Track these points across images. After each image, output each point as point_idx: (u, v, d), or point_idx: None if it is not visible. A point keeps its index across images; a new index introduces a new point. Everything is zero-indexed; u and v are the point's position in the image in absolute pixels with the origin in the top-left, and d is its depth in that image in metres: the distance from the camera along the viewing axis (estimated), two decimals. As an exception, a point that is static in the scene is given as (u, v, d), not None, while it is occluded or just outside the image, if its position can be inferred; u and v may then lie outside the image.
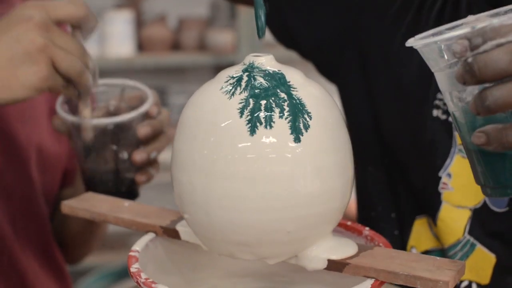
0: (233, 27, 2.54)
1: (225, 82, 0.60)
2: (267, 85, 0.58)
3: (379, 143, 0.84)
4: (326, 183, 0.58)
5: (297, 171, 0.57)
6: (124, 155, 0.84)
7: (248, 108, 0.57)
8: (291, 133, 0.57)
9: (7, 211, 0.90)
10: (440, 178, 0.77)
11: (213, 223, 0.59)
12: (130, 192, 0.87)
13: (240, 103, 0.57)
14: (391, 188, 0.83)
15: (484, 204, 0.74)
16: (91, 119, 0.82)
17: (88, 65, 0.74)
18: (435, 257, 0.57)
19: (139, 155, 0.83)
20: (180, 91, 2.70)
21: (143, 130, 0.83)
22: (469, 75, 0.50)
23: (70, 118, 0.83)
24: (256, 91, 0.58)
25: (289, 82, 0.59)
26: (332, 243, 0.60)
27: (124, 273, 2.30)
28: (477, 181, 0.58)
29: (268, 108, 0.57)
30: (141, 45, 2.58)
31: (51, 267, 0.98)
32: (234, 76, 0.60)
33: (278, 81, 0.59)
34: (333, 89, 0.97)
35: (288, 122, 0.57)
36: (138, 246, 0.65)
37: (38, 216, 0.95)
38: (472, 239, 0.75)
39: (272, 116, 0.57)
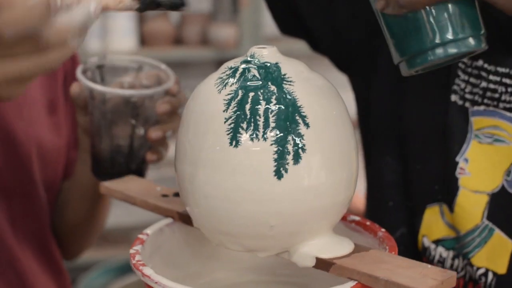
0: (236, 21, 2.53)
1: (222, 73, 0.60)
2: (259, 77, 0.58)
3: (396, 133, 0.83)
4: (314, 179, 0.57)
5: None
6: (141, 130, 0.83)
7: (236, 99, 0.57)
8: (274, 128, 0.56)
9: (6, 210, 0.89)
10: (457, 163, 0.77)
11: (201, 212, 0.60)
12: (138, 170, 0.85)
13: (229, 94, 0.58)
14: (404, 178, 0.83)
15: (502, 188, 0.74)
16: (115, 89, 0.81)
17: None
18: (427, 265, 0.56)
19: (156, 133, 0.82)
20: (182, 86, 2.69)
21: (163, 106, 0.82)
22: None
23: (94, 86, 0.81)
24: (247, 83, 0.58)
25: (284, 75, 0.58)
26: (326, 241, 0.59)
27: (126, 268, 2.31)
28: (394, 59, 0.59)
29: (255, 101, 0.57)
30: (144, 40, 2.58)
31: (50, 265, 0.98)
32: (231, 67, 0.60)
33: (271, 73, 0.58)
34: (340, 83, 0.97)
35: (273, 116, 0.56)
36: (143, 235, 0.65)
37: (38, 214, 0.95)
38: (490, 224, 0.74)
39: (257, 110, 0.57)
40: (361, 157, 0.93)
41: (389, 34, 0.59)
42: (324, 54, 0.94)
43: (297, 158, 0.56)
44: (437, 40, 0.56)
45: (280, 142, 0.56)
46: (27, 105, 0.92)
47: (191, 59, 2.68)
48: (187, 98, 0.85)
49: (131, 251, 0.61)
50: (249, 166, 0.56)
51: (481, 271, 0.75)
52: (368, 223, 0.67)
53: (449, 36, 0.56)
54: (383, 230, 0.65)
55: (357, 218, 0.68)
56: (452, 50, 0.57)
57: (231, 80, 0.59)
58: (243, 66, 0.60)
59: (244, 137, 0.56)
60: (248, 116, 0.57)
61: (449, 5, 0.56)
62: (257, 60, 0.60)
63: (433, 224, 0.80)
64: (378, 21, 0.59)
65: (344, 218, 0.68)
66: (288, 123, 0.56)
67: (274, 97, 0.57)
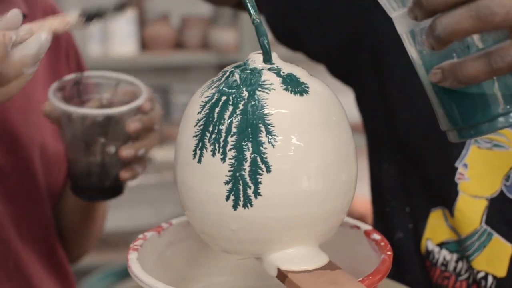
0: (236, 26, 2.54)
1: (215, 76, 0.61)
2: (238, 82, 0.58)
3: (393, 139, 0.84)
4: (276, 189, 0.56)
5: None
6: (112, 149, 0.83)
7: (210, 103, 0.58)
8: (236, 133, 0.56)
9: (11, 214, 0.89)
10: (456, 168, 0.77)
11: (188, 213, 0.61)
12: (114, 188, 0.86)
13: (207, 97, 0.59)
14: (404, 183, 0.83)
15: (501, 193, 0.75)
16: (82, 109, 0.81)
17: (9, 40, 0.61)
18: None
19: (126, 151, 0.81)
20: (183, 90, 2.70)
21: (133, 125, 0.81)
22: (418, 7, 0.51)
23: (61, 106, 0.81)
24: (225, 87, 0.58)
25: (263, 81, 0.58)
26: (297, 253, 0.58)
27: (127, 272, 2.30)
28: (441, 125, 0.58)
29: (224, 105, 0.57)
30: (144, 44, 2.58)
31: (55, 268, 0.98)
32: (224, 71, 0.61)
33: (251, 79, 0.58)
34: (341, 88, 0.97)
35: (237, 121, 0.56)
36: (140, 239, 0.65)
37: (42, 218, 0.95)
38: (489, 229, 0.75)
39: (224, 114, 0.57)
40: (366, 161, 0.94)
41: (439, 103, 0.57)
42: (319, 63, 0.95)
43: (255, 168, 0.56)
44: (491, 115, 0.55)
45: (240, 148, 0.56)
46: (32, 110, 0.92)
47: (192, 63, 2.69)
48: (162, 114, 0.85)
49: (129, 256, 0.61)
50: (207, 166, 0.57)
51: (481, 274, 0.75)
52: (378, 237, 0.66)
53: (503, 110, 0.55)
54: (388, 247, 0.64)
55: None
56: (502, 124, 0.55)
57: (215, 84, 0.59)
58: (231, 70, 0.60)
59: (206, 153, 0.57)
60: (215, 120, 0.57)
61: (505, 78, 0.55)
62: (247, 65, 0.60)
63: (437, 227, 0.80)
64: (423, 84, 0.58)
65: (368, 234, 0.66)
66: (249, 129, 0.56)
67: (242, 102, 0.57)
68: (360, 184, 0.75)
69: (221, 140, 0.56)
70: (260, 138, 0.56)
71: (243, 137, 0.56)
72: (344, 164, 0.58)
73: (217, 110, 0.57)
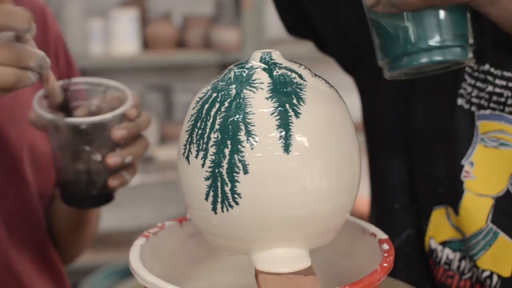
0: (238, 24, 2.54)
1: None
2: (232, 79, 0.59)
3: (402, 135, 0.84)
4: (250, 189, 0.56)
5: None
6: (97, 157, 0.82)
7: (203, 99, 0.58)
8: (218, 130, 0.56)
9: (1, 214, 0.89)
10: (462, 166, 0.77)
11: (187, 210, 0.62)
12: (102, 195, 0.85)
13: (203, 93, 0.59)
14: (410, 180, 0.83)
15: (507, 192, 0.75)
16: (64, 118, 0.80)
17: (29, 65, 0.69)
18: None
19: (112, 159, 0.80)
20: (185, 89, 2.70)
21: (118, 132, 0.80)
22: None
23: (44, 114, 0.81)
24: (218, 84, 0.59)
25: (254, 80, 0.58)
26: (279, 254, 0.58)
27: (129, 271, 2.30)
28: (379, 59, 0.59)
29: (213, 102, 0.58)
30: (146, 43, 2.58)
31: (47, 268, 0.97)
32: (228, 68, 0.61)
33: (243, 77, 0.58)
34: (345, 86, 0.96)
35: (220, 118, 0.56)
36: (143, 238, 0.66)
37: (33, 217, 0.94)
38: (495, 228, 0.75)
39: (211, 110, 0.57)
40: (365, 159, 0.93)
41: (376, 33, 0.58)
42: (330, 55, 0.94)
43: (233, 166, 0.56)
44: (423, 45, 0.55)
45: (220, 145, 0.56)
46: (20, 109, 0.91)
47: (194, 63, 2.69)
48: (150, 119, 0.84)
49: (131, 254, 0.62)
50: (187, 161, 0.59)
51: (486, 273, 0.75)
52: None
53: (436, 42, 0.55)
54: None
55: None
56: (436, 57, 0.56)
57: (214, 81, 0.60)
58: (230, 67, 0.60)
59: (193, 148, 0.58)
60: (203, 116, 0.57)
61: (440, 11, 0.55)
62: (247, 63, 0.60)
63: (440, 226, 0.80)
64: (368, 20, 0.59)
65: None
66: (230, 127, 0.56)
67: (228, 100, 0.57)
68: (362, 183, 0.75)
69: (205, 136, 0.57)
70: (239, 137, 0.56)
71: (223, 134, 0.56)
72: (330, 167, 0.57)
73: (206, 106, 0.58)
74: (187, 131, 0.59)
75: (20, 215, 0.92)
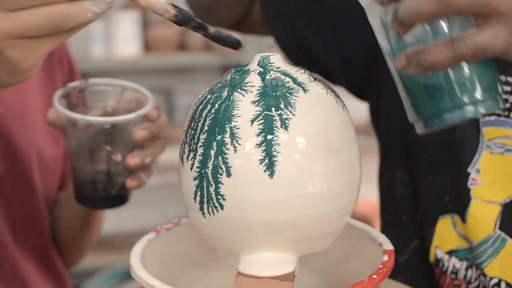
0: (240, 27, 2.54)
1: None
2: (227, 82, 0.59)
3: (406, 147, 0.84)
4: (233, 191, 0.56)
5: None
6: (118, 157, 0.82)
7: (200, 100, 0.59)
8: (205, 131, 0.57)
9: (7, 218, 0.89)
10: (469, 174, 0.76)
11: None
12: (119, 196, 0.85)
13: (202, 94, 0.60)
14: (415, 190, 0.83)
15: None
16: (89, 117, 0.80)
17: None
18: None
19: (133, 159, 0.80)
20: (186, 92, 2.70)
21: (139, 133, 0.80)
22: None
23: (68, 113, 0.80)
24: (216, 86, 0.59)
25: (246, 82, 0.58)
26: (264, 257, 0.58)
27: (130, 274, 2.30)
28: (409, 117, 0.59)
29: (206, 103, 0.58)
30: (148, 46, 2.58)
31: (51, 273, 0.97)
32: (228, 72, 0.62)
33: (236, 79, 0.59)
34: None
35: (209, 120, 0.57)
36: (143, 241, 0.66)
37: (38, 222, 0.94)
38: (503, 234, 0.74)
39: (203, 112, 0.58)
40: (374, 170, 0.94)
41: (406, 92, 0.58)
42: (339, 85, 0.94)
43: (217, 168, 0.56)
44: (456, 103, 0.55)
45: (207, 146, 0.57)
46: (27, 113, 0.91)
47: (195, 65, 2.69)
48: (168, 122, 0.84)
49: (131, 257, 0.61)
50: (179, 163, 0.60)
51: (494, 281, 0.75)
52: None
53: (468, 98, 0.55)
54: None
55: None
56: (470, 113, 0.56)
57: (213, 84, 0.61)
58: (230, 70, 0.61)
59: (186, 148, 0.59)
60: (196, 117, 0.58)
61: (471, 67, 0.55)
62: (245, 66, 0.60)
63: (445, 235, 0.80)
64: (392, 74, 0.58)
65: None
66: (217, 129, 0.56)
67: (219, 102, 0.57)
68: (365, 186, 0.75)
69: (196, 136, 0.58)
70: (224, 139, 0.56)
71: (210, 135, 0.56)
72: (316, 173, 0.56)
73: (200, 107, 0.58)
74: (184, 131, 0.60)
75: (26, 220, 0.92)
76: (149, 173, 0.85)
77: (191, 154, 0.58)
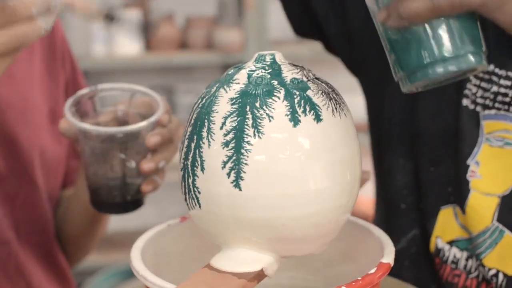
0: (241, 25, 2.54)
1: None
2: (222, 78, 0.60)
3: (408, 135, 0.84)
4: (206, 185, 0.58)
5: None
6: (132, 163, 0.83)
7: (202, 93, 0.60)
8: (191, 125, 0.58)
9: (10, 216, 0.89)
10: (468, 166, 0.77)
11: None
12: (135, 201, 0.85)
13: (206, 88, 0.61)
14: (417, 179, 0.83)
15: None
16: (101, 127, 0.81)
17: (30, 15, 0.61)
18: None
19: (147, 165, 0.81)
20: (187, 90, 2.70)
21: (152, 139, 0.80)
22: None
23: (80, 124, 0.81)
24: (213, 82, 0.60)
25: (234, 79, 0.58)
26: (236, 254, 0.58)
27: (132, 272, 2.30)
28: (394, 75, 0.59)
29: (200, 98, 0.59)
30: (149, 44, 2.58)
31: (55, 271, 0.97)
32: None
33: (228, 76, 0.59)
34: (346, 88, 0.96)
35: (195, 113, 0.58)
36: (144, 237, 0.66)
37: (41, 221, 0.94)
38: (501, 226, 0.75)
39: (194, 106, 0.60)
40: (369, 160, 0.93)
41: (390, 48, 0.58)
42: (337, 55, 0.95)
43: (194, 161, 0.57)
44: (437, 56, 0.56)
45: (190, 139, 0.58)
46: (30, 111, 0.91)
47: (196, 63, 2.69)
48: (180, 123, 0.85)
49: (132, 255, 0.62)
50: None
51: (492, 272, 0.76)
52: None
53: (449, 52, 0.56)
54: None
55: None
56: (452, 67, 0.56)
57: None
58: (231, 67, 0.61)
59: (180, 147, 0.60)
60: (191, 111, 0.60)
61: (451, 21, 0.56)
62: (244, 63, 0.61)
63: (447, 225, 0.80)
64: (379, 36, 0.59)
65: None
66: (198, 122, 0.58)
67: (206, 97, 0.58)
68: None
69: (186, 129, 0.59)
70: (202, 133, 0.57)
71: (193, 129, 0.58)
72: (287, 172, 0.56)
73: (197, 102, 0.60)
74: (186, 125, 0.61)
75: (29, 218, 0.92)
76: (163, 175, 0.85)
77: (181, 146, 0.59)
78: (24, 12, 0.59)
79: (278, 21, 1.01)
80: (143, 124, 0.81)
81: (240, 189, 0.56)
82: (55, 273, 0.98)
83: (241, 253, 0.58)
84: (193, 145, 0.57)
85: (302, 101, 0.56)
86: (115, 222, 2.30)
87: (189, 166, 0.57)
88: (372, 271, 0.58)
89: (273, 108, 0.56)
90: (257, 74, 0.58)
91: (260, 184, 0.55)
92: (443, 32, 0.56)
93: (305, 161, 0.55)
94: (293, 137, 0.55)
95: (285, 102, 0.56)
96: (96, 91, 0.86)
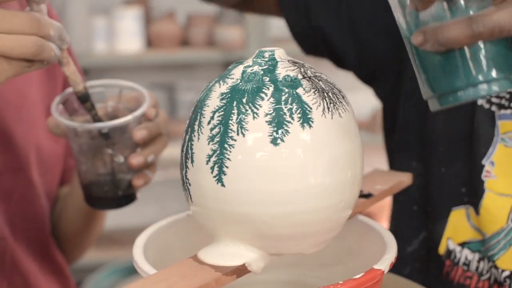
0: (242, 23, 2.54)
1: None
2: (223, 73, 0.60)
3: (421, 136, 0.84)
4: (194, 177, 0.58)
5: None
6: (120, 158, 0.83)
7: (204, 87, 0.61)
8: (188, 118, 0.59)
9: (5, 213, 0.89)
10: (483, 166, 0.77)
11: None
12: (127, 196, 0.86)
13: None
14: (428, 181, 0.83)
15: None
16: (85, 124, 0.81)
17: (49, 34, 0.66)
18: None
19: (136, 159, 0.81)
20: (188, 88, 2.70)
21: (139, 133, 0.81)
22: None
23: (65, 121, 0.81)
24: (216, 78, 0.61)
25: (230, 74, 0.58)
26: (223, 247, 0.59)
27: (133, 269, 2.30)
28: (423, 94, 0.59)
29: (201, 93, 0.60)
30: (150, 42, 2.58)
31: (51, 268, 0.97)
32: None
33: (227, 71, 0.60)
34: (349, 85, 0.96)
35: (193, 107, 0.59)
36: (147, 233, 0.66)
37: (37, 218, 0.94)
38: None
39: (196, 99, 0.60)
40: (384, 162, 0.94)
41: (422, 69, 0.58)
42: (349, 69, 0.94)
43: (186, 153, 0.58)
44: (471, 81, 0.55)
45: (186, 132, 0.59)
46: (27, 108, 0.91)
47: (198, 61, 2.69)
48: (167, 118, 0.85)
49: (134, 251, 0.62)
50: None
51: (506, 273, 0.75)
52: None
53: (484, 77, 0.55)
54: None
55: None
56: (483, 92, 0.56)
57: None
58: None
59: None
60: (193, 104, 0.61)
61: (487, 45, 0.55)
62: (244, 60, 0.60)
63: (458, 226, 0.80)
64: (408, 51, 0.58)
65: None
66: (193, 116, 0.58)
67: (204, 91, 0.59)
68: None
69: (186, 122, 0.60)
70: (195, 126, 0.57)
71: (189, 122, 0.59)
72: (286, 169, 0.55)
73: (198, 96, 0.60)
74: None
75: (25, 216, 0.92)
76: (154, 169, 0.86)
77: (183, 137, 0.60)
78: (45, 26, 0.64)
79: (279, 19, 1.00)
80: (127, 118, 0.81)
81: (223, 184, 0.56)
82: (52, 269, 0.98)
83: (227, 247, 0.58)
84: (187, 137, 0.58)
85: (290, 98, 0.56)
86: (115, 219, 2.30)
87: (183, 158, 0.58)
88: (358, 276, 0.56)
89: (259, 105, 0.55)
90: (251, 70, 0.58)
91: (241, 180, 0.55)
92: (479, 57, 0.55)
93: (286, 160, 0.55)
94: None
95: (271, 99, 0.56)
96: (85, 88, 0.86)
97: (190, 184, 0.58)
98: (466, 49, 0.55)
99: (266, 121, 0.55)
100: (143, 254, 0.61)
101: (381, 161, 0.94)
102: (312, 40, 0.95)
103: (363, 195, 0.68)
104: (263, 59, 0.59)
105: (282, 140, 0.55)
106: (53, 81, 0.96)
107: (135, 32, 2.52)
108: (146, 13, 2.61)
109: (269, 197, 0.55)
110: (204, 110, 0.57)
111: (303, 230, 0.57)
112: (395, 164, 0.90)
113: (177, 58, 2.58)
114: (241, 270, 0.57)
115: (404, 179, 0.73)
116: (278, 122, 0.55)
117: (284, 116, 0.55)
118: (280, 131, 0.55)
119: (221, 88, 0.57)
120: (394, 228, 0.87)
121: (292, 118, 0.55)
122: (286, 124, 0.55)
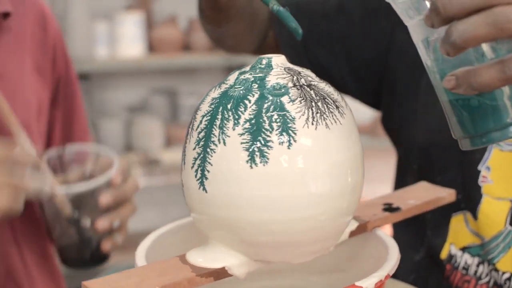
0: (244, 28, 2.54)
1: None
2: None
3: (414, 149, 0.85)
4: (186, 180, 0.58)
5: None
6: (87, 223, 0.86)
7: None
8: (189, 123, 0.59)
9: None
10: (479, 171, 0.78)
11: None
12: (96, 257, 0.89)
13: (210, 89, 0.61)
14: None
15: None
16: (49, 188, 0.83)
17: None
18: None
19: (101, 223, 0.85)
20: (190, 92, 2.70)
21: (104, 199, 0.84)
22: (435, 14, 0.51)
23: (33, 185, 0.84)
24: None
25: (226, 80, 0.59)
26: (210, 249, 0.59)
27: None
28: (453, 133, 0.58)
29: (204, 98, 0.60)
30: (152, 46, 2.58)
31: (49, 272, 0.98)
32: None
33: (227, 77, 0.60)
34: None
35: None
36: (149, 239, 0.66)
37: (35, 220, 0.95)
38: None
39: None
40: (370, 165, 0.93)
41: (452, 111, 0.58)
42: (349, 95, 0.94)
43: (183, 154, 0.59)
44: (503, 123, 0.55)
45: (186, 133, 0.59)
46: (19, 110, 0.91)
47: (199, 65, 2.69)
48: (137, 184, 0.88)
49: (136, 256, 0.62)
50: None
51: (506, 275, 0.76)
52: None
53: None
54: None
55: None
56: None
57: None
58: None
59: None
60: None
61: None
62: (244, 67, 0.61)
63: (459, 232, 0.81)
64: (437, 95, 0.58)
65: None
66: (191, 120, 0.59)
67: (204, 96, 0.60)
68: (373, 185, 0.75)
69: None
70: (189, 129, 0.58)
71: (188, 125, 0.60)
72: (256, 176, 0.55)
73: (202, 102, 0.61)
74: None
75: (24, 218, 0.92)
76: (124, 233, 0.89)
77: None
78: (25, 160, 0.73)
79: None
80: (90, 185, 0.84)
81: (204, 188, 0.56)
82: (49, 273, 0.98)
83: (213, 250, 0.59)
84: (185, 140, 0.59)
85: (272, 106, 0.55)
86: (117, 224, 2.29)
87: (181, 160, 0.59)
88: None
89: (241, 112, 0.55)
90: (244, 76, 0.58)
91: (220, 185, 0.56)
92: (509, 100, 0.55)
93: (263, 168, 0.54)
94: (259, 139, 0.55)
95: (254, 107, 0.55)
96: (64, 150, 0.91)
97: (183, 186, 0.59)
98: (498, 91, 0.55)
99: (245, 128, 0.55)
100: (145, 259, 0.61)
101: (381, 164, 0.94)
102: (309, 66, 0.96)
103: (390, 209, 0.67)
104: (259, 66, 0.59)
105: (260, 149, 0.54)
106: (43, 80, 0.97)
107: (136, 37, 2.52)
108: (148, 18, 2.61)
109: (248, 203, 0.55)
110: (197, 114, 0.58)
111: (283, 239, 0.57)
112: (399, 173, 0.91)
113: (178, 63, 2.58)
114: (219, 273, 0.57)
115: (445, 195, 0.72)
116: (256, 129, 0.55)
117: (263, 124, 0.55)
118: (259, 139, 0.55)
119: (214, 93, 0.58)
120: (396, 235, 0.88)
121: (271, 127, 0.55)
122: (264, 132, 0.54)
